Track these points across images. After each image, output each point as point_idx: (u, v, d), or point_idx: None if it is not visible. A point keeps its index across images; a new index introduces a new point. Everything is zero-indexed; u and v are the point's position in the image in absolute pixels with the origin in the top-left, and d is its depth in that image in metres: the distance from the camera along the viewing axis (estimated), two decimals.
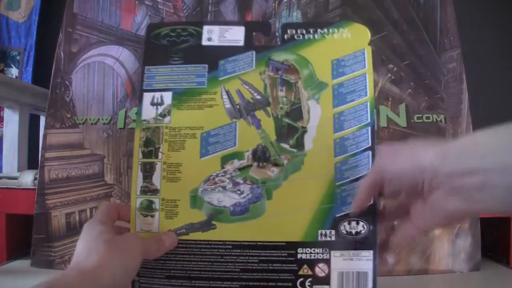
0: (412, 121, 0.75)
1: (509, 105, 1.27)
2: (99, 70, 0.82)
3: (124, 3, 0.85)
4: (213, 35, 0.58)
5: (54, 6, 1.59)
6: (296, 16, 0.81)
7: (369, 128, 0.54)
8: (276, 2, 0.82)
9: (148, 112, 0.56)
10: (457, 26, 0.79)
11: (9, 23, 1.64)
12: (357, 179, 0.53)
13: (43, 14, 1.63)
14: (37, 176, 0.78)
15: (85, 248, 0.44)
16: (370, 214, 0.52)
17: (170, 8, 0.84)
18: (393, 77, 0.77)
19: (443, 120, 0.75)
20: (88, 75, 0.82)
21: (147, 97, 0.57)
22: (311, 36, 0.58)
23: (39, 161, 0.78)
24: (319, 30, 0.58)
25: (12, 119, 1.02)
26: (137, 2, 0.85)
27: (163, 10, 0.84)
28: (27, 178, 0.81)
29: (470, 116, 0.75)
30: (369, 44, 0.56)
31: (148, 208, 0.54)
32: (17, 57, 1.63)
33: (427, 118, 0.76)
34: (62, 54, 0.83)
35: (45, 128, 0.80)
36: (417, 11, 0.80)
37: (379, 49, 0.77)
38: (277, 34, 0.81)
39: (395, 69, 0.77)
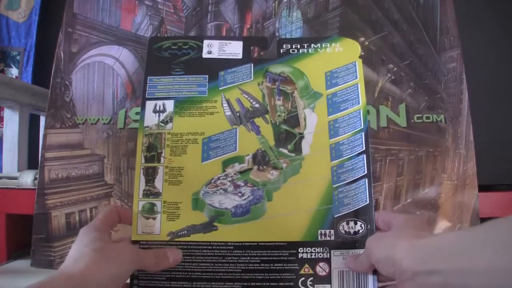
0: (412, 121, 0.76)
1: (509, 105, 1.28)
2: (99, 70, 0.82)
3: (124, 3, 0.85)
4: (213, 49, 0.61)
5: (54, 6, 1.59)
6: (296, 16, 0.81)
7: (363, 133, 0.57)
8: (276, 2, 0.82)
9: (151, 119, 0.58)
10: (457, 26, 0.79)
11: (9, 23, 1.64)
12: (353, 182, 0.54)
13: (43, 14, 1.63)
14: (37, 176, 0.78)
15: (75, 254, 0.45)
16: (367, 214, 0.53)
17: (170, 8, 0.84)
18: (393, 77, 0.77)
19: (443, 120, 0.75)
20: (88, 75, 0.82)
21: (150, 105, 0.58)
22: (305, 50, 0.61)
23: (39, 161, 0.78)
24: (312, 45, 0.62)
25: (12, 119, 1.02)
26: (137, 2, 0.85)
27: (163, 10, 0.84)
28: (27, 178, 0.81)
29: (470, 116, 0.75)
30: (359, 57, 0.59)
31: (150, 211, 0.54)
32: (17, 57, 1.63)
33: (427, 118, 0.76)
34: (62, 54, 0.83)
35: (45, 128, 0.80)
36: (417, 11, 0.80)
37: (379, 49, 0.77)
38: (277, 34, 0.81)
39: (395, 69, 0.77)
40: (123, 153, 0.78)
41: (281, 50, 0.61)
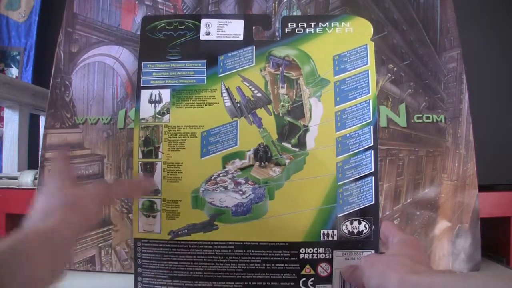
0: (412, 121, 0.75)
1: (509, 105, 1.28)
2: (99, 70, 0.82)
3: (124, 3, 0.85)
4: (212, 29, 0.58)
5: (54, 6, 1.59)
6: None
7: (371, 127, 0.54)
8: (276, 2, 0.82)
9: (146, 110, 0.56)
10: (457, 26, 0.79)
11: (9, 23, 1.64)
12: (358, 179, 0.53)
13: (43, 14, 1.63)
14: (37, 176, 0.78)
15: (46, 207, 0.45)
16: (372, 214, 0.53)
17: (170, 8, 0.84)
18: (393, 77, 0.77)
19: (443, 120, 0.75)
20: (88, 75, 0.82)
21: (145, 94, 0.56)
22: (312, 30, 0.57)
23: (39, 161, 0.78)
24: (320, 24, 0.57)
25: (12, 119, 1.02)
26: (137, 2, 0.84)
27: (163, 10, 0.84)
28: (27, 178, 0.81)
29: (470, 116, 0.75)
30: (371, 39, 0.55)
31: (149, 209, 0.54)
32: (17, 57, 1.63)
33: (427, 118, 0.76)
34: (62, 54, 0.83)
35: (45, 128, 0.80)
36: (417, 11, 0.80)
37: (379, 49, 0.77)
38: (277, 34, 0.81)
39: (395, 69, 0.77)
40: (123, 153, 0.78)
41: (286, 29, 0.58)
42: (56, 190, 0.46)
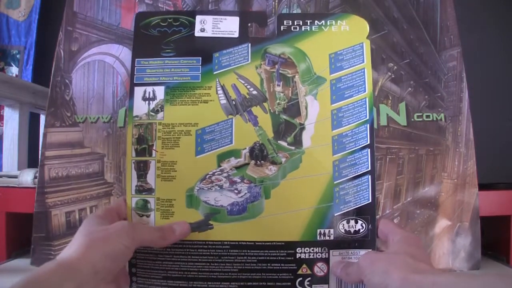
0: (412, 119, 0.75)
1: (509, 103, 1.27)
2: (99, 68, 0.82)
3: (124, 2, 0.85)
4: (207, 26, 0.57)
5: (54, 4, 1.60)
6: None
7: (368, 125, 0.54)
8: (276, 1, 0.82)
9: (140, 107, 0.55)
10: (457, 24, 0.78)
11: (9, 22, 1.65)
12: (355, 178, 0.53)
13: (43, 13, 1.64)
14: (37, 174, 0.78)
15: (70, 243, 0.45)
16: (369, 213, 0.52)
17: (170, 6, 0.83)
18: (393, 76, 0.76)
19: (443, 118, 0.75)
20: (88, 73, 0.82)
21: (138, 91, 0.55)
22: (308, 28, 0.56)
23: (39, 160, 0.78)
24: (316, 22, 0.57)
25: (12, 117, 1.02)
26: (137, 1, 0.84)
27: (163, 9, 0.84)
28: (27, 177, 0.81)
29: (470, 115, 0.75)
30: (367, 38, 0.55)
31: (143, 208, 0.54)
32: (17, 56, 1.64)
33: (427, 116, 0.75)
34: (62, 53, 0.83)
35: (45, 126, 0.80)
36: (417, 10, 0.79)
37: (379, 48, 0.77)
38: (276, 33, 0.81)
39: (395, 67, 0.77)
40: (123, 152, 0.78)
41: (282, 27, 0.57)
42: (86, 225, 0.47)
